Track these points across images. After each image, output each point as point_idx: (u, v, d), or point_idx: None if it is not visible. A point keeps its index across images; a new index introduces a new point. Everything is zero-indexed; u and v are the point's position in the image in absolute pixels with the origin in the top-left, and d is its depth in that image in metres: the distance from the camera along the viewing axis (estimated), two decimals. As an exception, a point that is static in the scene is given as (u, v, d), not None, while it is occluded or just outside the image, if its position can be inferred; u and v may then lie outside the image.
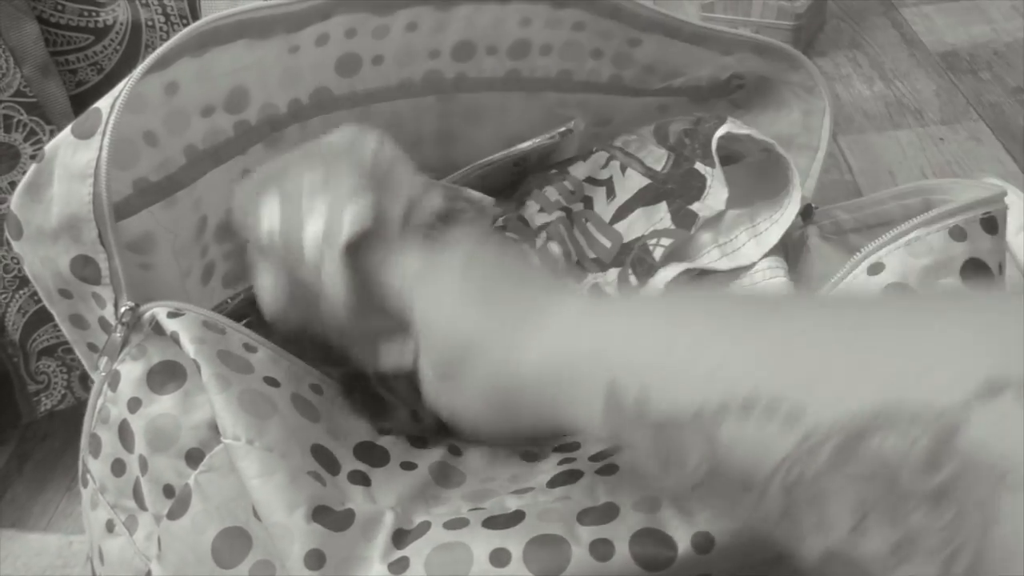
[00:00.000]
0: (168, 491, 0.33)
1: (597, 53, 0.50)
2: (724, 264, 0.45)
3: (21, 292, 0.52)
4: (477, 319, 0.31)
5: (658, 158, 0.49)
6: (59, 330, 0.53)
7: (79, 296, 0.35)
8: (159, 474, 0.33)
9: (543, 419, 0.29)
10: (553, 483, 0.33)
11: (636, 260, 0.44)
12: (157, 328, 0.34)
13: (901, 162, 0.73)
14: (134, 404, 0.34)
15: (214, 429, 0.32)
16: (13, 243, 0.36)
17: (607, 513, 0.30)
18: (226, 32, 0.38)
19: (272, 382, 0.34)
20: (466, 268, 0.33)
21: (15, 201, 0.35)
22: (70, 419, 0.58)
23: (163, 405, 0.33)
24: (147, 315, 0.34)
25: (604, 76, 0.51)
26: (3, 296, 0.52)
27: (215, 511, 0.31)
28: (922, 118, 0.78)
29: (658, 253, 0.44)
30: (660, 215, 0.46)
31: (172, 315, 0.34)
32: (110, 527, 0.35)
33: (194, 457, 0.32)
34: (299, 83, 0.43)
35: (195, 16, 0.49)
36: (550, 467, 0.34)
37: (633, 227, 0.47)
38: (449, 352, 0.31)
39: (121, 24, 0.47)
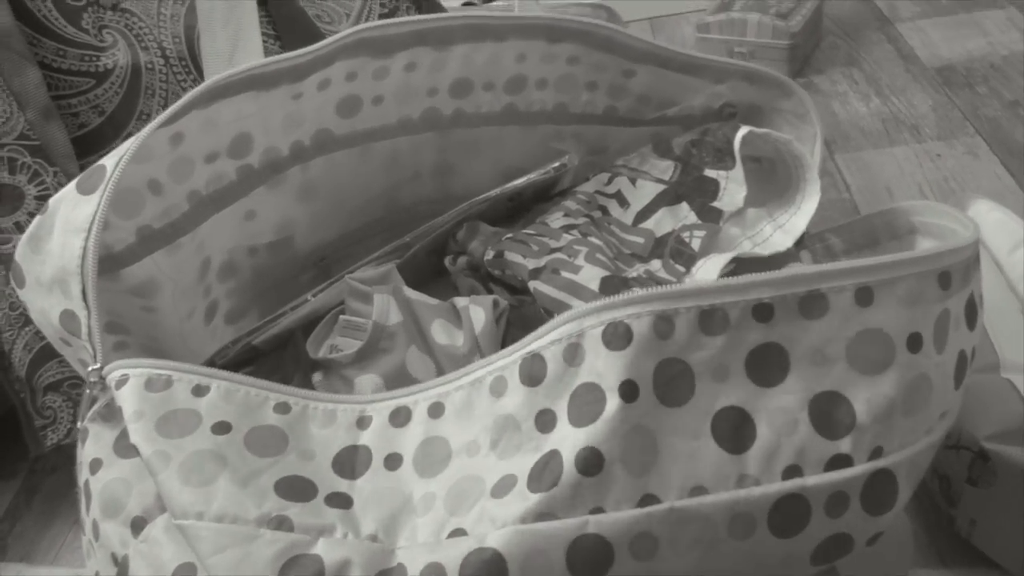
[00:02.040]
0: (114, 560, 0.32)
1: (592, 85, 0.50)
2: (761, 251, 0.45)
3: (26, 329, 0.52)
4: None
5: (663, 170, 0.50)
6: (64, 366, 0.54)
7: (76, 346, 0.36)
8: (107, 540, 0.32)
9: None
10: None
11: (674, 251, 0.45)
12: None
13: (899, 179, 0.73)
14: (95, 465, 0.33)
15: (159, 498, 0.31)
16: (18, 291, 0.37)
17: None
18: (236, 87, 0.39)
19: (222, 428, 0.32)
20: None
21: (19, 251, 0.36)
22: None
23: (122, 469, 0.32)
24: (109, 378, 0.33)
25: (599, 107, 0.52)
26: (9, 333, 0.52)
27: None
28: (919, 134, 0.78)
29: (695, 243, 0.45)
30: (684, 213, 0.47)
31: (119, 383, 0.32)
32: None
33: (137, 526, 0.31)
34: (301, 126, 0.44)
35: (194, 58, 0.49)
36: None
37: (661, 224, 0.47)
38: None
39: (121, 68, 0.48)
